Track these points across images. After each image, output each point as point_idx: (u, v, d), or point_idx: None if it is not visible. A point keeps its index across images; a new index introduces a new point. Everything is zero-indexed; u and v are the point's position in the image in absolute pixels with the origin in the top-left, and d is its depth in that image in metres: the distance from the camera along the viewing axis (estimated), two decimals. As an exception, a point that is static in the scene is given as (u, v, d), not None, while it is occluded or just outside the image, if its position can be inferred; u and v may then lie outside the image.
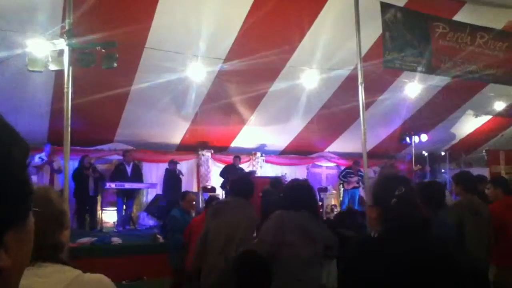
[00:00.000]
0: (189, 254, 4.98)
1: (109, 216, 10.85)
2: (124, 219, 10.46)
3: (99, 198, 10.57)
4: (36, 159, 9.35)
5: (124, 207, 10.51)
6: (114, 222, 10.64)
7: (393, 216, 1.73)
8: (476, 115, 13.59)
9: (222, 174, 11.49)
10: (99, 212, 10.43)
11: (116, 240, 7.99)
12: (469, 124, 14.15)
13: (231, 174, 11.18)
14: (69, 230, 1.55)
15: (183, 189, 11.81)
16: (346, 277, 1.73)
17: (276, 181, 9.20)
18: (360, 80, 7.87)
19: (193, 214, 6.77)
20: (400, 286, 1.56)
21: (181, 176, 11.35)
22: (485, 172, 11.63)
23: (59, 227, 1.48)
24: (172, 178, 11.15)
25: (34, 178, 8.72)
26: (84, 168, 10.07)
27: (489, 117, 13.75)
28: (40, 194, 1.47)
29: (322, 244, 3.18)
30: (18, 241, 0.54)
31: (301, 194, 3.40)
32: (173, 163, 11.22)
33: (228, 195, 5.65)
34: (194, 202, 6.43)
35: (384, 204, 1.77)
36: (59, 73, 6.54)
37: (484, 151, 14.62)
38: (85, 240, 7.59)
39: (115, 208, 10.64)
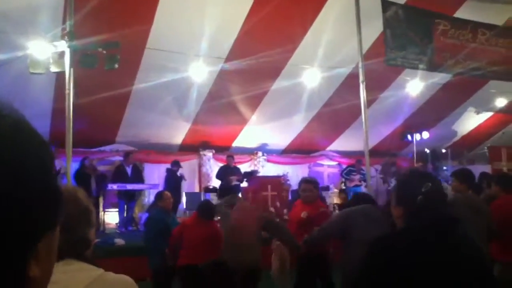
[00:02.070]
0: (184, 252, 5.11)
1: (111, 217, 10.84)
2: (126, 220, 10.45)
3: (100, 200, 10.56)
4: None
5: (126, 208, 10.50)
6: (116, 223, 10.63)
7: (419, 213, 1.68)
8: (478, 112, 13.57)
9: (218, 176, 11.37)
10: (101, 213, 10.42)
11: (119, 241, 7.98)
12: (470, 121, 14.13)
13: (228, 174, 11.09)
14: (94, 228, 1.59)
15: (185, 190, 11.85)
16: (367, 273, 1.69)
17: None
18: (361, 78, 7.86)
19: (173, 214, 6.75)
20: (424, 283, 1.52)
21: (183, 180, 11.27)
22: (487, 168, 11.60)
23: (87, 225, 1.52)
24: (173, 178, 11.08)
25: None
26: (85, 169, 10.05)
27: (490, 113, 13.74)
28: (69, 193, 1.50)
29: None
30: (48, 250, 0.53)
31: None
32: (176, 165, 11.12)
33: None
34: (171, 200, 6.35)
35: (410, 203, 1.72)
36: (60, 75, 6.53)
37: (486, 147, 14.60)
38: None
39: (117, 210, 10.64)
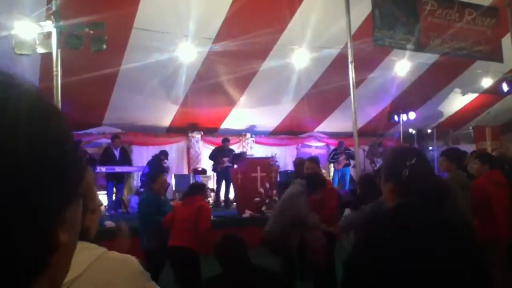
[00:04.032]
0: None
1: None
2: (116, 203, 10.43)
3: (91, 182, 10.47)
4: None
5: (115, 190, 10.47)
6: (105, 206, 10.60)
7: (407, 188, 1.70)
8: (464, 93, 13.72)
9: (211, 157, 11.41)
10: (89, 196, 10.36)
11: (109, 223, 7.97)
12: (456, 101, 14.29)
13: (221, 156, 11.16)
14: (96, 213, 1.52)
15: (174, 171, 11.83)
16: (360, 255, 1.71)
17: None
18: (350, 58, 7.88)
19: (167, 197, 6.62)
20: (418, 260, 1.54)
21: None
22: (472, 148, 11.79)
23: (84, 210, 1.45)
24: (156, 166, 10.77)
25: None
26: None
27: (476, 94, 13.89)
28: None
29: None
30: (73, 218, 0.56)
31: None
32: (163, 154, 10.89)
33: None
34: (166, 184, 6.29)
35: (397, 178, 1.73)
36: (45, 55, 6.41)
37: (471, 127, 14.81)
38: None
39: (105, 192, 10.60)
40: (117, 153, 10.55)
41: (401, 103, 13.25)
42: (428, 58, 10.96)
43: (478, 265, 1.60)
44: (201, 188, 5.61)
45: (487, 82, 13.03)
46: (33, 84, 0.54)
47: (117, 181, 10.48)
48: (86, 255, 1.35)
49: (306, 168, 5.43)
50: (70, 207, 0.54)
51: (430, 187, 1.70)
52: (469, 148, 11.22)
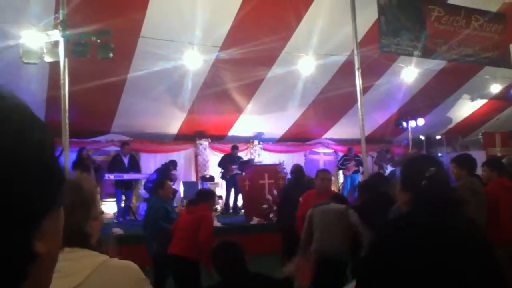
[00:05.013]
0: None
1: (108, 207, 10.85)
2: (124, 210, 10.46)
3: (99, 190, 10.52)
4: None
5: (123, 198, 10.51)
6: (114, 213, 10.65)
7: (424, 198, 1.69)
8: (472, 99, 13.62)
9: (220, 164, 11.46)
10: (98, 203, 10.40)
11: (117, 230, 8.01)
12: (465, 107, 14.19)
13: (229, 163, 11.20)
14: (98, 221, 1.53)
15: (182, 179, 11.86)
16: (374, 258, 1.72)
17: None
18: (356, 65, 7.88)
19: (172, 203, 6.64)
20: (430, 265, 1.55)
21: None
22: (481, 154, 11.67)
23: (85, 217, 1.46)
24: (165, 174, 10.77)
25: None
26: (83, 160, 10.02)
27: (485, 100, 13.79)
28: (71, 182, 1.47)
29: None
30: (53, 228, 0.55)
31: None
32: (172, 164, 10.92)
33: None
34: (172, 190, 6.27)
35: (415, 187, 1.72)
36: (53, 64, 6.48)
37: (480, 133, 14.68)
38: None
39: (114, 199, 10.64)
40: (126, 160, 10.61)
41: (409, 110, 13.18)
42: (435, 64, 10.90)
43: (490, 268, 1.62)
44: (208, 196, 5.45)
45: (496, 88, 12.92)
46: (9, 91, 0.54)
47: (126, 188, 10.53)
48: (87, 263, 1.35)
49: (323, 179, 5.44)
50: (48, 217, 0.53)
51: (446, 197, 1.71)
52: (478, 154, 11.11)
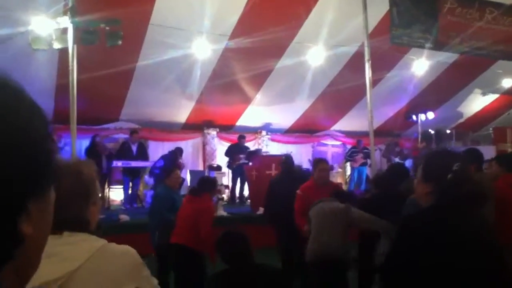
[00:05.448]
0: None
1: (116, 194, 10.95)
2: (131, 198, 10.54)
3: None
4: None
5: (131, 185, 10.59)
6: (121, 200, 10.74)
7: (447, 192, 1.71)
8: (484, 93, 13.46)
9: (227, 153, 11.50)
10: (106, 190, 10.50)
11: (123, 217, 8.08)
12: (476, 102, 14.03)
13: (236, 153, 11.22)
14: (97, 206, 1.53)
15: (189, 167, 11.91)
16: (399, 248, 1.74)
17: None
18: (367, 57, 7.80)
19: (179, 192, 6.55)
20: (454, 257, 1.59)
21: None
22: (492, 149, 11.57)
23: (84, 202, 1.47)
24: (172, 161, 10.80)
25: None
26: (96, 146, 10.08)
27: (497, 95, 13.62)
28: (70, 166, 1.48)
29: None
30: (41, 211, 0.55)
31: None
32: (179, 151, 10.97)
33: None
34: (180, 180, 6.22)
35: (439, 180, 1.74)
36: (63, 51, 6.50)
37: (491, 129, 14.53)
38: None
39: (122, 186, 10.72)
40: (134, 148, 10.67)
41: (419, 103, 13.07)
42: (447, 57, 10.77)
43: (502, 266, 1.67)
44: (210, 185, 5.33)
45: (508, 83, 12.75)
46: (4, 75, 0.53)
47: (133, 176, 10.60)
48: (86, 247, 1.37)
49: (322, 170, 5.27)
50: (35, 199, 0.53)
51: (469, 193, 1.72)
52: (489, 149, 11.00)
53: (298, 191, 5.29)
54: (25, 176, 0.51)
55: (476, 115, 14.63)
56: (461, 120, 14.86)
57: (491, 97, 13.77)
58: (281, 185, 5.91)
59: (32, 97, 0.55)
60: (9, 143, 0.49)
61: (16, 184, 0.50)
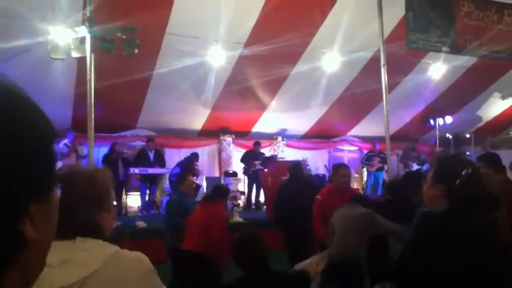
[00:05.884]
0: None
1: (133, 200, 11.04)
2: (148, 204, 10.63)
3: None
4: (61, 146, 9.57)
5: (148, 192, 10.68)
6: (138, 207, 10.82)
7: (458, 195, 1.73)
8: (503, 97, 13.23)
9: (243, 160, 11.52)
10: (123, 196, 10.60)
11: (140, 223, 8.15)
12: (495, 106, 13.80)
13: (252, 159, 11.24)
14: (111, 213, 1.55)
15: (205, 174, 11.95)
16: (413, 251, 1.74)
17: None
18: (382, 61, 7.76)
19: (195, 198, 6.63)
20: (467, 260, 1.59)
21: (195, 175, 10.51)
22: (511, 154, 11.34)
23: (97, 208, 1.48)
24: (189, 167, 10.81)
25: (60, 164, 8.88)
26: (114, 154, 10.22)
27: (517, 99, 13.39)
28: (85, 172, 1.50)
29: None
30: (44, 214, 0.54)
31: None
32: (195, 157, 11.04)
33: None
34: (193, 185, 6.27)
35: (451, 183, 1.75)
36: (81, 60, 6.61)
37: (510, 133, 14.26)
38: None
39: (139, 193, 10.82)
40: (151, 155, 10.78)
41: (437, 107, 12.92)
42: (465, 61, 10.63)
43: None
44: (223, 192, 5.42)
45: (528, 86, 12.52)
46: (4, 78, 0.53)
47: (150, 182, 10.70)
48: (99, 253, 1.38)
49: (343, 175, 5.21)
50: (38, 202, 0.53)
51: (480, 198, 1.74)
52: (508, 154, 10.78)
53: (317, 196, 5.25)
54: (27, 179, 0.51)
55: (496, 119, 14.39)
56: (480, 124, 14.62)
57: (510, 101, 13.53)
58: (289, 190, 5.96)
59: (37, 103, 0.55)
60: (9, 146, 0.49)
61: (18, 187, 0.50)
